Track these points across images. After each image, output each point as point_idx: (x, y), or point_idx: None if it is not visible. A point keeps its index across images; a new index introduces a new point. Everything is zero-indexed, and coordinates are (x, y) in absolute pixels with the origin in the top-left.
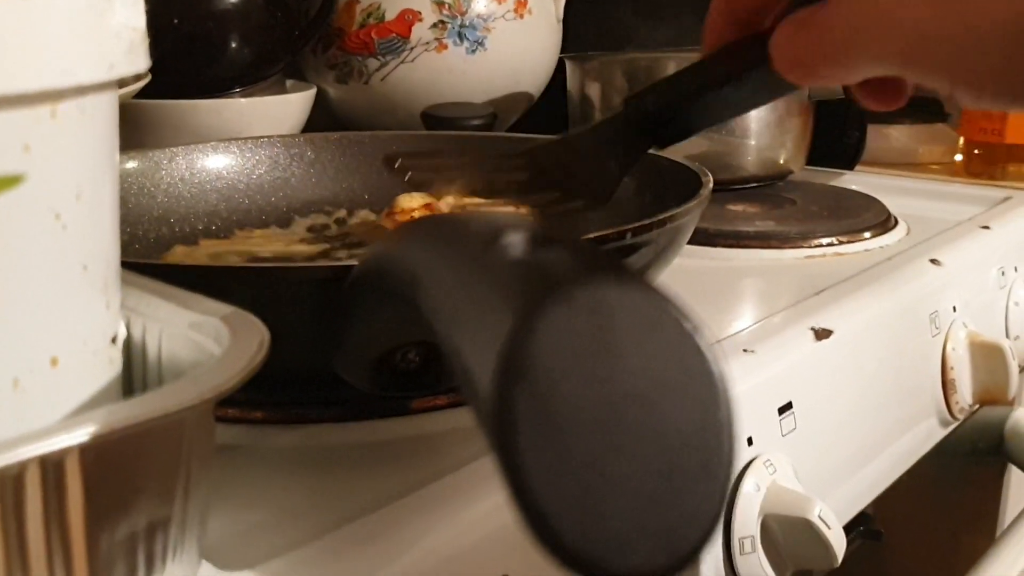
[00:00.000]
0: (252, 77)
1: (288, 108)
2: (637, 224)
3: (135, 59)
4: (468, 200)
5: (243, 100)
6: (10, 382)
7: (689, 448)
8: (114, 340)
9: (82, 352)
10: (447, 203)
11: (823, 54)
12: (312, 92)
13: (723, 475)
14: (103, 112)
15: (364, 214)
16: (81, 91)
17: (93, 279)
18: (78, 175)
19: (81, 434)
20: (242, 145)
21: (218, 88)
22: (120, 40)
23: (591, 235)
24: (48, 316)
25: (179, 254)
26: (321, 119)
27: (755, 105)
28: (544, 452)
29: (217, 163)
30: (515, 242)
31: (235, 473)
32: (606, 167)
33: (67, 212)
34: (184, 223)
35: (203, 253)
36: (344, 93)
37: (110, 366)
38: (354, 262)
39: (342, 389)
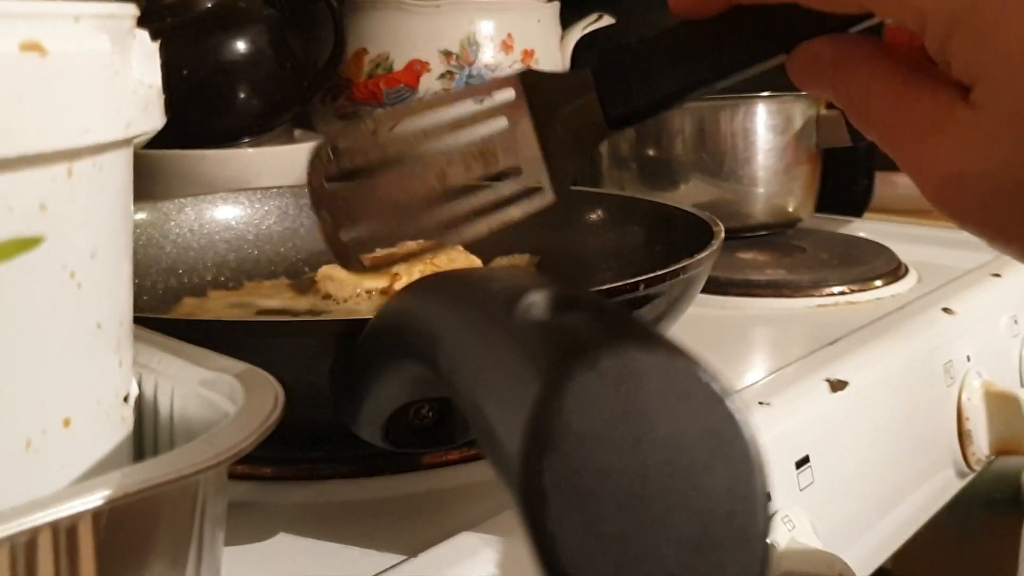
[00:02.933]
0: (260, 127)
1: (296, 158)
2: (650, 275)
3: (151, 116)
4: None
5: (251, 150)
6: (23, 444)
7: (723, 517)
8: (126, 399)
9: (95, 412)
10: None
11: None
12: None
13: (760, 544)
14: (119, 169)
15: None
16: (98, 149)
17: (107, 337)
18: (94, 233)
19: (94, 499)
20: (251, 196)
21: (226, 138)
22: (136, 97)
23: (604, 287)
24: (62, 376)
25: (188, 306)
26: None
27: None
28: (574, 525)
29: (226, 214)
30: (537, 302)
31: (245, 532)
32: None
33: (82, 271)
34: (193, 274)
35: (213, 305)
36: None
37: (122, 425)
38: (368, 316)
39: (352, 444)
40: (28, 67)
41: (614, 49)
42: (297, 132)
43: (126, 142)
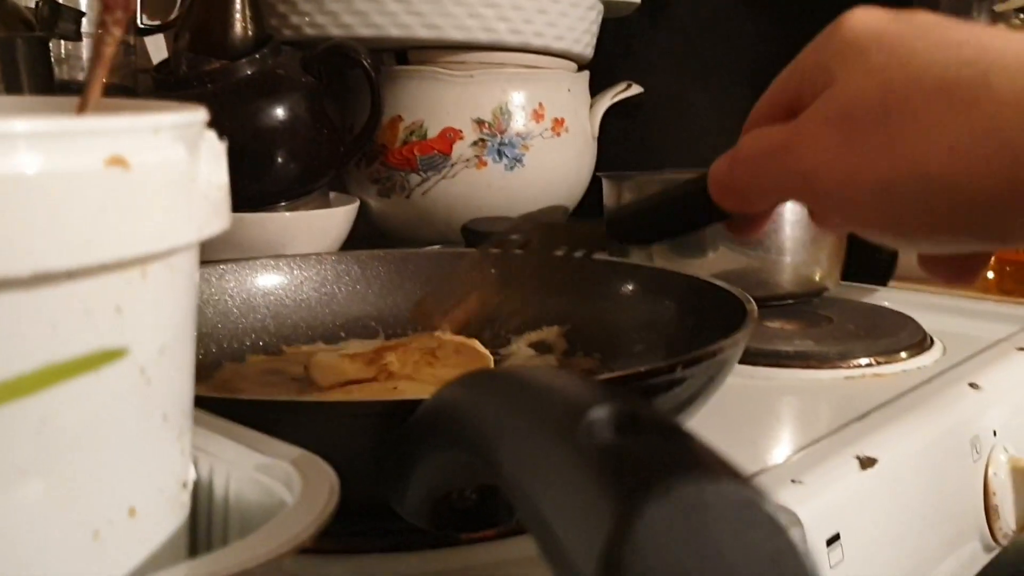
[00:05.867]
0: (297, 191)
1: (332, 221)
2: (687, 357)
3: (220, 217)
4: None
5: (288, 214)
6: (91, 534)
7: None
8: (185, 484)
9: (158, 500)
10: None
11: (749, 190)
12: (355, 205)
13: None
14: (188, 267)
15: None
16: (171, 252)
17: (171, 427)
18: (164, 330)
19: None
20: (290, 262)
21: (264, 202)
22: (207, 201)
23: (642, 368)
24: (129, 467)
25: (228, 371)
26: (362, 230)
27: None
28: None
29: (266, 280)
30: (601, 419)
31: None
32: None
33: (152, 367)
34: (232, 340)
35: (249, 370)
36: (386, 206)
37: (181, 511)
38: (417, 397)
39: (392, 519)
40: (112, 181)
41: None
42: (332, 195)
43: (197, 243)
